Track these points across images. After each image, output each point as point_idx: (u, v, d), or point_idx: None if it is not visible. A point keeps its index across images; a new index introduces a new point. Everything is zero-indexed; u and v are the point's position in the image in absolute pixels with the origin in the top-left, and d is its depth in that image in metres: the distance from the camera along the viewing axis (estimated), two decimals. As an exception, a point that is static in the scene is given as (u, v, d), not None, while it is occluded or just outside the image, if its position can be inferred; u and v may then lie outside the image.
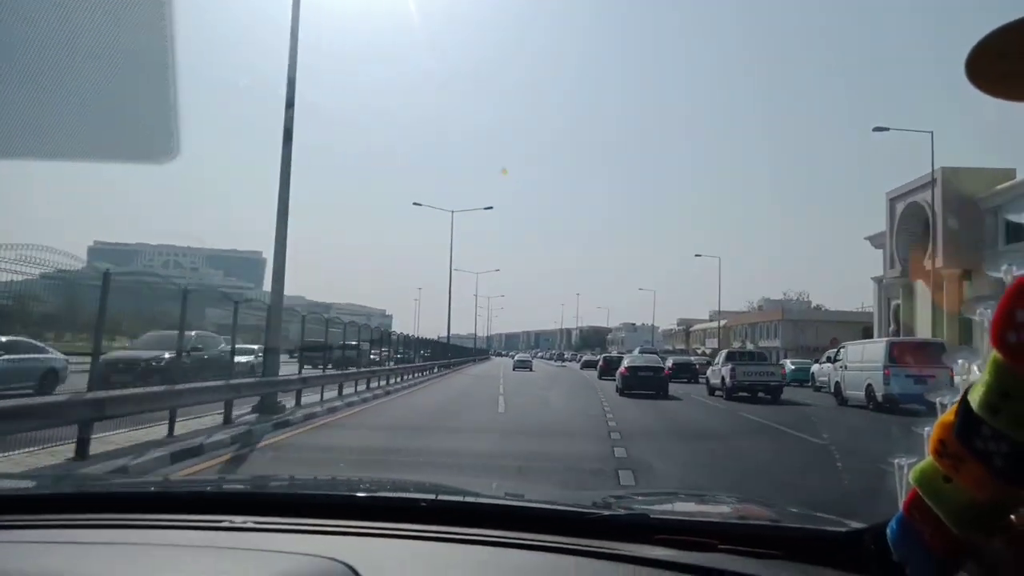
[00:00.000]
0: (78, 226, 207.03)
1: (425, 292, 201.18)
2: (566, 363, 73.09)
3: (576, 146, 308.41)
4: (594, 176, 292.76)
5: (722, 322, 68.96)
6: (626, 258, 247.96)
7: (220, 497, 1.54)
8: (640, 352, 34.41)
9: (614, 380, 33.77)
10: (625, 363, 22.88)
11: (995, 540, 0.63)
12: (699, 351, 68.86)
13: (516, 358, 61.71)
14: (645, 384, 21.57)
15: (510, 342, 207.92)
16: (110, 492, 1.62)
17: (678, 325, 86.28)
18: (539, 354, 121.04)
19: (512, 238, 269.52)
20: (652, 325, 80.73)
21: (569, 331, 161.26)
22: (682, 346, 71.54)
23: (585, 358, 63.56)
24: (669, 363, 27.06)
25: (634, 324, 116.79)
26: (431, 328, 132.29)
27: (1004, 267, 0.71)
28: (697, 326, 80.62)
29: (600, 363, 37.27)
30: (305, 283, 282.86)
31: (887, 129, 29.37)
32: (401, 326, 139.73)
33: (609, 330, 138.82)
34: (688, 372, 32.70)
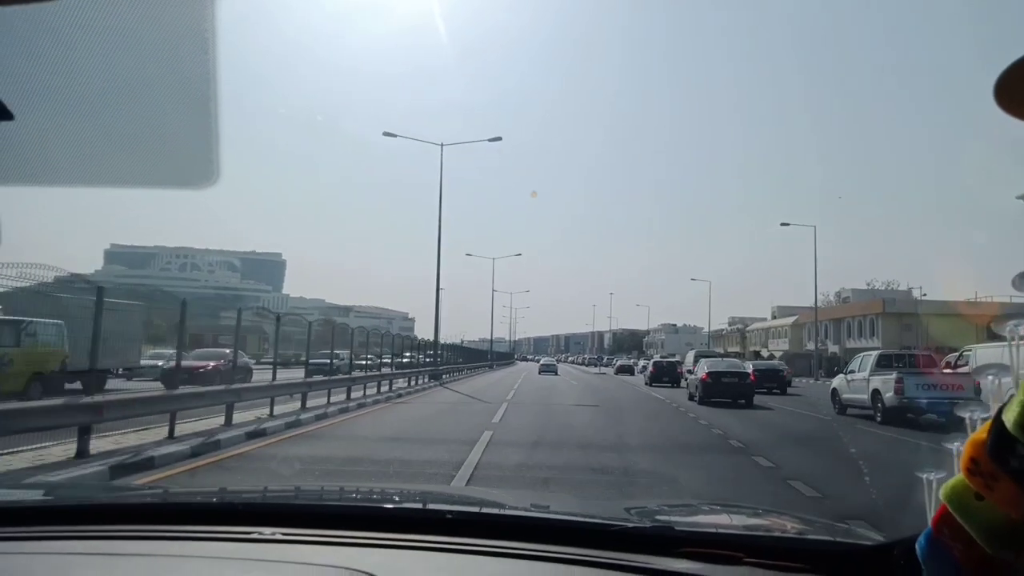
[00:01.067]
0: (98, 227, 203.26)
1: (449, 295, 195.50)
2: (604, 370, 66.05)
3: (610, 141, 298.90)
4: (628, 173, 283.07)
5: (791, 319, 59.62)
6: (662, 259, 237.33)
7: (249, 508, 1.55)
8: (697, 356, 32.49)
9: (667, 386, 30.94)
10: (705, 368, 20.93)
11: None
12: (762, 354, 59.63)
13: (542, 362, 59.92)
14: (729, 392, 19.96)
15: (539, 345, 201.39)
16: (139, 503, 1.66)
17: (730, 325, 77.66)
18: (569, 358, 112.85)
19: (540, 239, 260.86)
20: (707, 323, 72.73)
21: (600, 334, 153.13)
22: (736, 348, 62.97)
23: (620, 363, 59.97)
24: (748, 369, 24.51)
25: (675, 325, 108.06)
26: (455, 331, 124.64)
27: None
28: (755, 325, 71.51)
29: (650, 368, 34.88)
30: (326, 286, 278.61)
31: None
32: (424, 330, 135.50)
33: (646, 332, 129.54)
34: (774, 380, 28.58)
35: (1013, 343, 0.63)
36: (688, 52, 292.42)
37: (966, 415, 0.74)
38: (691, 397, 21.21)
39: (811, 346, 53.86)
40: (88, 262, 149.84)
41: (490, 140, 38.32)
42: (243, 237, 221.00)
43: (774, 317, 71.45)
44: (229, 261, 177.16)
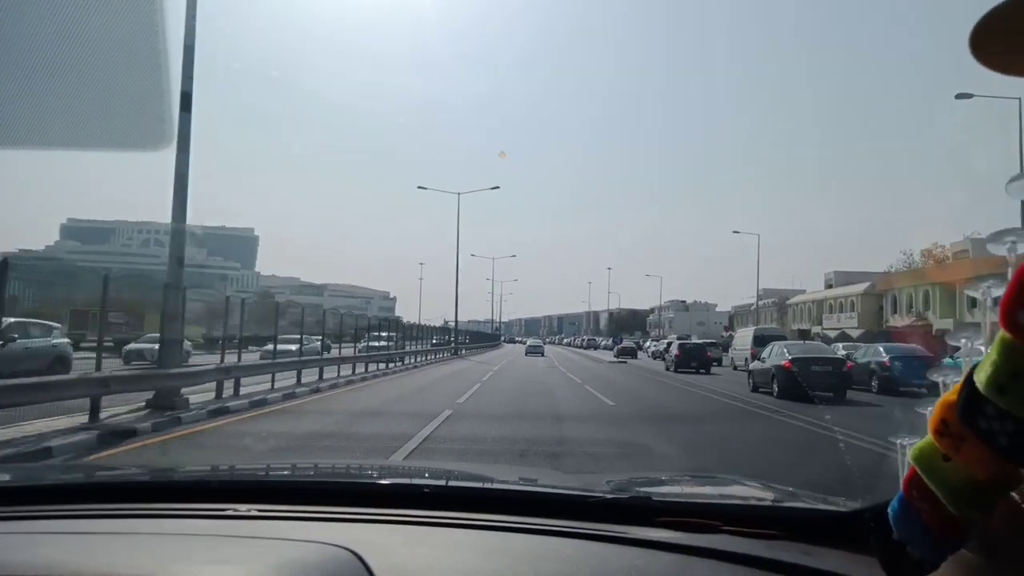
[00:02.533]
0: (53, 201, 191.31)
1: (433, 274, 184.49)
2: (594, 349, 66.16)
3: (601, 107, 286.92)
4: (619, 145, 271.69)
5: (860, 287, 48.42)
6: (662, 235, 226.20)
7: (224, 485, 1.59)
8: (761, 336, 28.30)
9: (694, 372, 27.96)
10: (787, 354, 17.08)
11: (993, 519, 0.66)
12: (818, 333, 48.57)
13: (528, 343, 58.60)
14: (820, 383, 16.06)
15: (530, 327, 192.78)
16: (113, 482, 1.71)
17: (760, 298, 67.06)
18: (564, 340, 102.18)
19: (526, 216, 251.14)
20: (755, 289, 60.65)
21: (596, 314, 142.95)
22: (773, 326, 52.20)
23: (623, 344, 54.60)
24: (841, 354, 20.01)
25: (683, 302, 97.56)
26: (438, 312, 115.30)
27: (1008, 243, 0.74)
28: (800, 298, 60.50)
29: (675, 352, 30.55)
30: (302, 263, 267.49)
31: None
32: (405, 310, 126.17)
33: (649, 311, 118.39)
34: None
35: (987, 303, 0.65)
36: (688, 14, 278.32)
37: (939, 379, 0.75)
38: (755, 389, 18.25)
39: (897, 320, 42.04)
40: (44, 237, 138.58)
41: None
42: (217, 212, 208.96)
43: (829, 286, 58.88)
44: (196, 236, 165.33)
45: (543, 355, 47.52)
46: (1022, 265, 0.58)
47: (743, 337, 30.96)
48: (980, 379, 0.61)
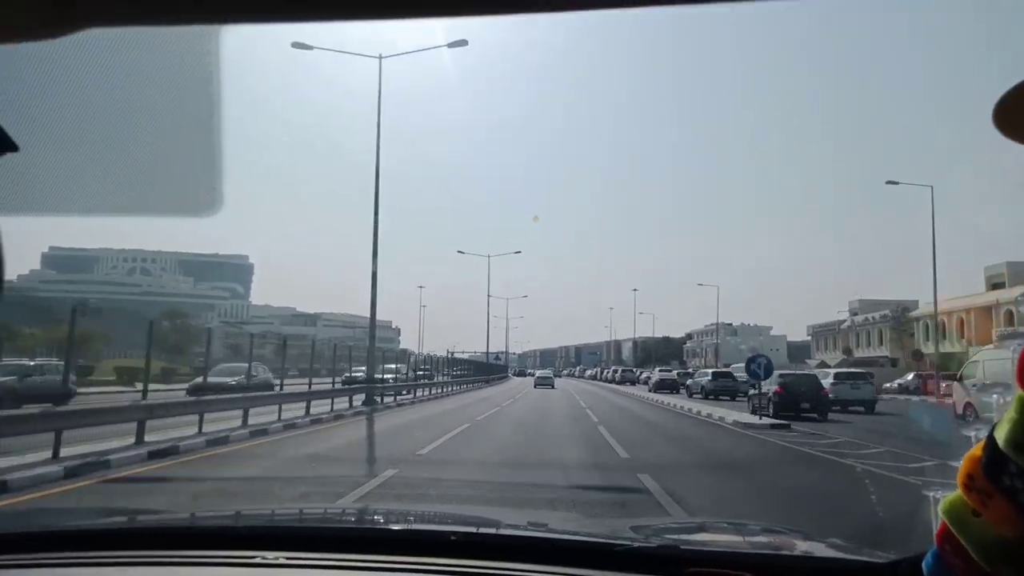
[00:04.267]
0: (39, 227, 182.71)
1: (441, 305, 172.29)
2: (630, 385, 55.89)
3: (617, 131, 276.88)
4: (641, 167, 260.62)
5: None
6: (678, 263, 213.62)
7: (252, 532, 1.64)
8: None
9: (805, 417, 21.42)
10: None
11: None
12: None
13: (537, 375, 57.21)
14: None
15: (546, 358, 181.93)
16: (139, 528, 1.75)
17: (853, 313, 53.40)
18: (586, 372, 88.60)
19: (544, 247, 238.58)
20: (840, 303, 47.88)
21: (618, 343, 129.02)
22: (877, 349, 38.61)
23: (659, 376, 46.34)
24: None
25: (730, 324, 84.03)
26: (445, 343, 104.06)
27: None
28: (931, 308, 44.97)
29: (774, 388, 22.18)
30: (304, 295, 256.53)
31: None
32: (412, 342, 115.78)
33: (686, 338, 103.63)
34: None
35: (1015, 358, 0.62)
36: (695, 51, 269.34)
37: (970, 433, 0.78)
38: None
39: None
40: (27, 265, 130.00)
41: (450, 45, 27.26)
42: (221, 241, 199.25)
43: (996, 286, 40.94)
44: (185, 263, 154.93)
45: (553, 387, 48.77)
46: None
47: (975, 367, 20.07)
48: (1000, 436, 0.62)
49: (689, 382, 38.79)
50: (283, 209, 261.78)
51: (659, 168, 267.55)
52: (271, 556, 1.31)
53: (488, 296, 57.89)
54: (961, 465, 0.67)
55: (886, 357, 35.95)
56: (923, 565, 0.75)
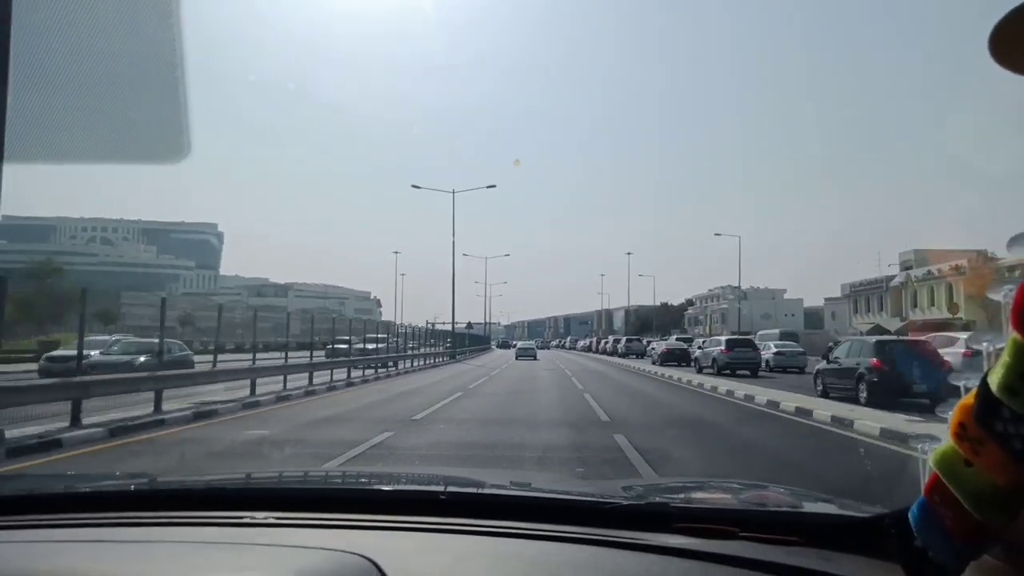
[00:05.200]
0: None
1: (421, 276, 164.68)
2: (637, 357, 47.46)
3: (605, 100, 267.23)
4: (629, 127, 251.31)
5: None
6: (674, 229, 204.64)
7: (240, 493, 1.65)
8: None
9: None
10: None
11: (1017, 524, 0.66)
12: None
13: (519, 346, 56.76)
14: None
15: (534, 329, 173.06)
16: (129, 490, 1.75)
17: (904, 267, 45.98)
18: (579, 342, 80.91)
19: (527, 217, 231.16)
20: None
21: (609, 312, 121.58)
22: (937, 312, 31.35)
23: (669, 345, 39.29)
24: None
25: (739, 287, 75.97)
26: (426, 315, 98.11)
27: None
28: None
29: (871, 360, 15.35)
30: (280, 266, 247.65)
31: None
32: (393, 312, 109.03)
33: (686, 304, 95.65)
34: None
35: (1007, 307, 0.64)
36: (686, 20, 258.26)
37: (960, 383, 0.77)
38: None
39: None
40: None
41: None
42: (190, 209, 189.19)
43: (908, 267, 46.04)
44: (149, 232, 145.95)
45: (535, 358, 46.79)
46: None
47: None
48: (993, 381, 0.62)
49: (698, 353, 30.63)
50: (256, 173, 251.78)
51: (652, 119, 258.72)
52: (260, 516, 1.33)
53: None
54: (952, 415, 0.67)
55: (958, 319, 29.07)
56: (909, 516, 0.75)
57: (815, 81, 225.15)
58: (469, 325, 56.77)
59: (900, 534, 0.81)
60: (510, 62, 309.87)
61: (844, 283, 61.02)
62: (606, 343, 63.48)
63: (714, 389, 19.18)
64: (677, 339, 44.79)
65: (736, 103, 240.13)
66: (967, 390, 0.69)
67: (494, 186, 47.71)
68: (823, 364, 17.55)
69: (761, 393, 16.63)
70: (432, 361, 38.22)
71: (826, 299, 74.70)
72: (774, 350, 30.73)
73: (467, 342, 57.46)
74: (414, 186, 45.98)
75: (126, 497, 1.57)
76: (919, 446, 0.99)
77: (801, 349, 32.51)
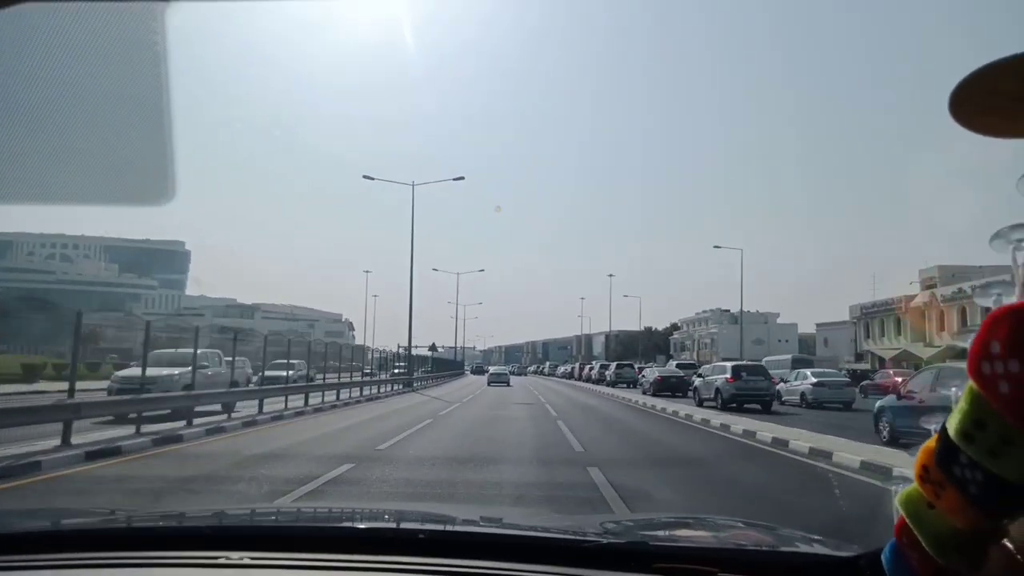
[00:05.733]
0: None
1: (399, 300, 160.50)
2: (628, 386, 41.82)
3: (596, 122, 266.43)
4: (613, 163, 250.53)
5: None
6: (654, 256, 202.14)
7: (216, 532, 1.60)
8: None
9: None
10: None
11: (985, 569, 0.66)
12: None
13: (491, 371, 55.02)
14: None
15: (511, 355, 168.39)
16: (100, 529, 1.71)
17: (928, 286, 42.31)
18: (559, 368, 77.20)
19: (509, 239, 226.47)
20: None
21: (589, 337, 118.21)
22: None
23: (663, 372, 34.95)
24: None
25: (728, 311, 71.59)
26: (401, 338, 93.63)
27: (993, 296, 0.83)
28: None
29: None
30: (252, 287, 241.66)
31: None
32: (367, 338, 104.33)
33: (671, 329, 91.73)
34: None
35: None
36: (669, 54, 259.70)
37: (930, 426, 0.76)
38: None
39: None
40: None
41: (454, 179, 42.60)
42: (156, 227, 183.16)
43: (930, 286, 44.69)
44: (112, 249, 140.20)
45: (508, 384, 45.45)
46: (989, 316, 0.59)
47: None
48: (951, 427, 0.63)
49: (697, 382, 25.73)
50: (224, 193, 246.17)
51: (635, 139, 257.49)
52: (235, 556, 1.31)
53: (412, 239, 39.24)
54: (917, 457, 0.68)
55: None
56: (882, 558, 0.76)
57: (802, 97, 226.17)
58: (433, 347, 50.84)
59: (874, 574, 0.80)
60: (497, 81, 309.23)
61: (853, 304, 57.58)
62: (590, 369, 57.28)
63: (751, 435, 14.42)
64: (678, 365, 40.09)
65: (722, 124, 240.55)
66: (935, 432, 0.68)
67: (462, 178, 43.15)
68: (889, 400, 13.80)
69: (795, 437, 12.95)
70: (374, 391, 30.71)
71: (818, 324, 71.47)
72: (813, 380, 25.71)
73: (431, 367, 51.67)
74: (365, 176, 41.47)
75: (95, 535, 1.55)
76: (893, 487, 0.86)
77: (847, 379, 27.95)
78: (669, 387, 31.15)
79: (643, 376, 37.24)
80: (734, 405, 21.96)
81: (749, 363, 27.53)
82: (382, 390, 32.38)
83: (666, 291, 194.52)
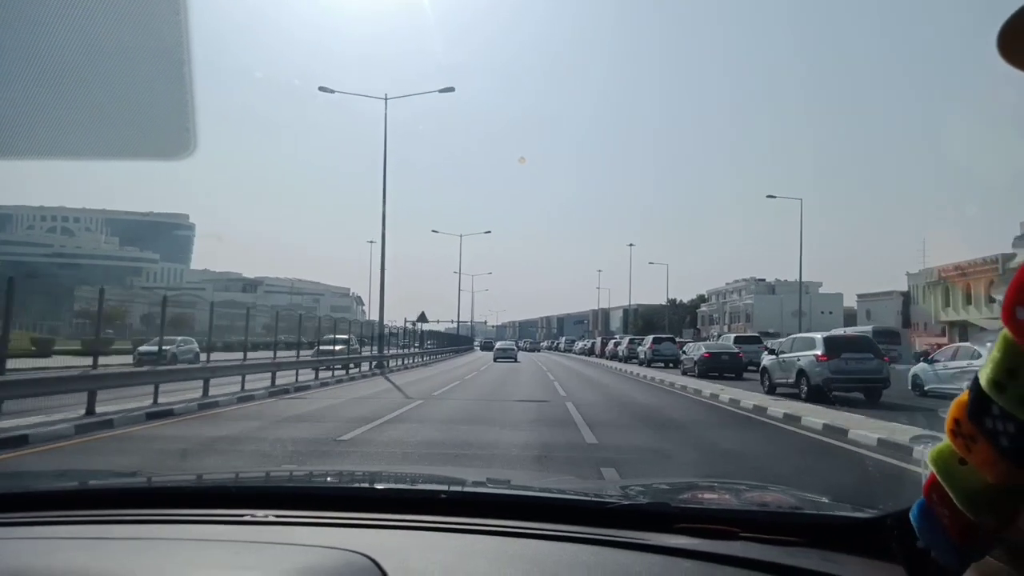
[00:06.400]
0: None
1: (408, 274, 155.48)
2: (670, 366, 34.32)
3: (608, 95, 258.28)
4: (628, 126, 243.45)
5: None
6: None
7: (241, 491, 1.64)
8: None
9: None
10: None
11: (1016, 525, 0.65)
12: None
13: (497, 346, 50.49)
14: None
15: (525, 329, 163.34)
16: (130, 487, 1.76)
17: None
18: (576, 343, 71.61)
19: (521, 209, 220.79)
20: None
21: (606, 312, 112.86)
22: None
23: (711, 347, 28.38)
24: None
25: (764, 280, 64.70)
26: (411, 313, 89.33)
27: None
28: None
29: None
30: (259, 261, 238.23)
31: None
32: (368, 311, 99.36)
33: (699, 301, 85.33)
34: None
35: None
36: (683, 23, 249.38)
37: (964, 384, 0.72)
38: None
39: None
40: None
41: (441, 91, 32.17)
42: (162, 199, 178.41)
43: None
44: (114, 222, 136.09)
45: (516, 360, 42.56)
46: (1022, 266, 0.57)
47: None
48: (983, 377, 0.62)
49: (768, 362, 18.75)
50: (233, 165, 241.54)
51: (653, 107, 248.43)
52: (260, 514, 1.33)
53: (385, 155, 31.53)
54: (949, 412, 0.66)
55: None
56: (910, 516, 0.74)
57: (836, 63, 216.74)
58: (422, 318, 41.85)
59: (902, 534, 0.79)
60: (508, 60, 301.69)
61: (918, 270, 50.35)
62: (616, 345, 46.97)
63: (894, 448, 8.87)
64: (737, 339, 32.77)
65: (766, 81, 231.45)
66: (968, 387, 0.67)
67: (452, 89, 31.77)
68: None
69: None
70: (311, 378, 21.78)
71: (859, 295, 65.30)
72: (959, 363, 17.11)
73: (421, 342, 44.17)
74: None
75: (124, 494, 1.57)
76: (919, 447, 0.56)
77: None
78: (719, 366, 25.60)
79: (684, 352, 31.07)
80: (831, 393, 15.43)
81: (852, 335, 21.25)
82: (329, 375, 23.45)
83: (688, 264, 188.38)
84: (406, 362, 36.20)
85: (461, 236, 61.41)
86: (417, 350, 41.23)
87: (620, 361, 41.79)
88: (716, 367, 25.77)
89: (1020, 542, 0.65)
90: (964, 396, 0.65)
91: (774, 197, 41.29)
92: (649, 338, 39.91)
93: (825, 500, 1.65)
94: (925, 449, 0.76)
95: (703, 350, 27.68)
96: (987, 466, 0.61)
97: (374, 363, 29.89)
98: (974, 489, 0.63)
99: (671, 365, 34.29)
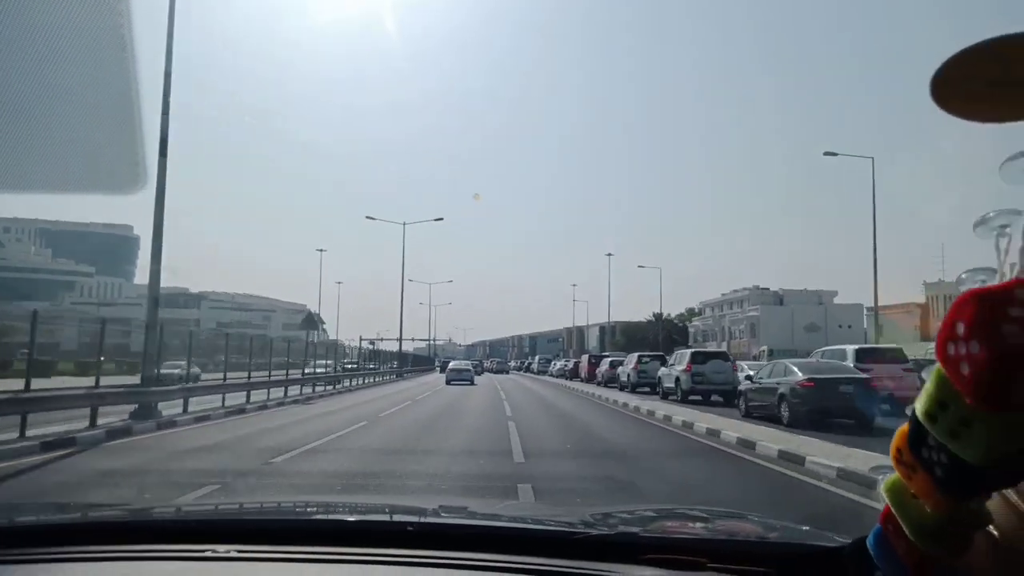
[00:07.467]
0: None
1: (371, 292, 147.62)
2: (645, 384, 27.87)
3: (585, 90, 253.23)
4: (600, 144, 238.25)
5: None
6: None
7: (202, 525, 1.61)
8: None
9: None
10: None
11: (971, 556, 0.66)
12: None
13: (451, 366, 45.43)
14: None
15: (496, 349, 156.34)
16: (85, 522, 1.71)
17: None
18: (553, 364, 62.93)
19: (492, 223, 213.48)
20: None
21: (580, 329, 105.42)
22: None
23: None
24: None
25: (768, 290, 57.21)
26: (367, 332, 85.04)
27: (979, 281, 0.82)
28: None
29: None
30: (214, 276, 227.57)
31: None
32: (342, 331, 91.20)
33: (692, 314, 77.26)
34: None
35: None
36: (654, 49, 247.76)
37: (910, 409, 0.71)
38: None
39: None
40: None
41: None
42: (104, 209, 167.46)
43: None
44: (47, 233, 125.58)
45: (472, 383, 37.47)
46: (958, 299, 0.58)
47: None
48: (918, 408, 0.63)
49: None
50: (180, 171, 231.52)
51: (629, 112, 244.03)
52: (222, 549, 1.30)
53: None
54: (892, 441, 0.67)
55: None
56: (867, 544, 0.75)
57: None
58: (373, 343, 37.19)
59: (862, 564, 0.79)
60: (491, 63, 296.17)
61: (937, 279, 43.82)
62: (613, 366, 34.24)
63: None
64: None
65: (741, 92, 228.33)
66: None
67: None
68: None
69: None
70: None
71: (868, 308, 58.57)
72: None
73: (359, 363, 40.25)
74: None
75: (80, 529, 1.54)
76: (878, 477, 0.81)
77: None
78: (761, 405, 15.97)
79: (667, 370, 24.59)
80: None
81: None
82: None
83: (671, 278, 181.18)
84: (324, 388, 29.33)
85: (404, 224, 50.44)
86: (346, 371, 35.36)
87: (622, 390, 29.80)
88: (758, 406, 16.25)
89: (974, 573, 0.66)
90: (906, 426, 0.65)
91: (834, 154, 33.60)
92: (686, 353, 25.67)
93: (791, 526, 1.68)
94: (883, 478, 0.75)
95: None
96: (926, 496, 0.62)
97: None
98: (923, 520, 0.64)
99: (655, 390, 25.86)
